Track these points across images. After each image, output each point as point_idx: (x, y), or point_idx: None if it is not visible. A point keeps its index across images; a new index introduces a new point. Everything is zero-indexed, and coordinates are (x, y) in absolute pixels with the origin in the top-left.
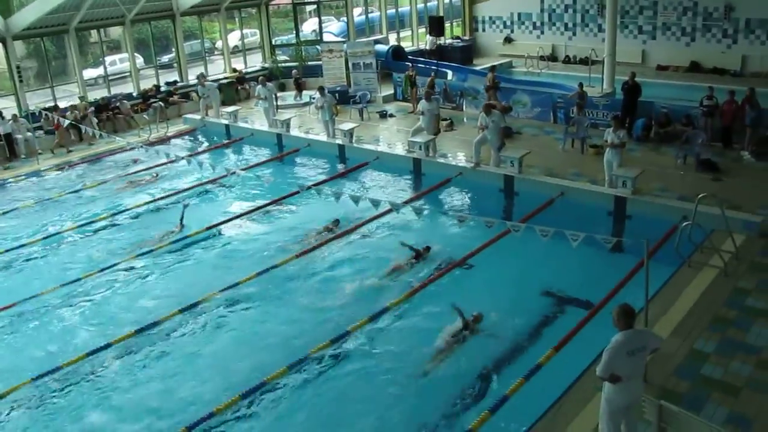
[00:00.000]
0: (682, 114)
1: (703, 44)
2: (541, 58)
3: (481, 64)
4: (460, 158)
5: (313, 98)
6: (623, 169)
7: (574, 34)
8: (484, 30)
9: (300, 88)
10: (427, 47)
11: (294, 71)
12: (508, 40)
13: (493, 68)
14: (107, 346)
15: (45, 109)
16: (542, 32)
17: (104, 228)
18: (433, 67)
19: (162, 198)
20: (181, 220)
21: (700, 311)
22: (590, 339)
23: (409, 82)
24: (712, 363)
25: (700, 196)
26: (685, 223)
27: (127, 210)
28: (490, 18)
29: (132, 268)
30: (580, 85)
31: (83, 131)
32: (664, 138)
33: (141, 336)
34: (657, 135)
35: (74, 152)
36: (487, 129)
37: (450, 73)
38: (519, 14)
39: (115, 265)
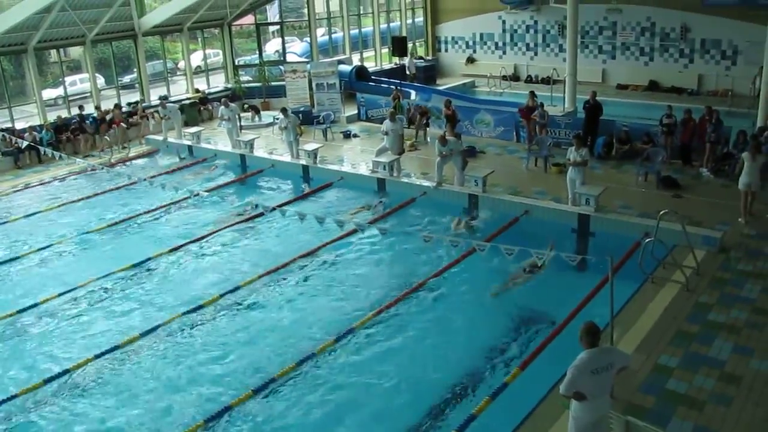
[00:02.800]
0: (643, 132)
1: (661, 64)
2: (504, 77)
3: (445, 84)
4: (424, 178)
5: (277, 119)
6: (586, 186)
7: (536, 54)
8: (446, 50)
9: (257, 111)
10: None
11: (245, 105)
12: (470, 60)
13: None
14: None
15: (2, 129)
16: (504, 52)
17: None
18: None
19: (124, 220)
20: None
21: (664, 326)
22: (556, 357)
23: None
24: (677, 378)
25: (661, 212)
26: (647, 240)
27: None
28: (453, 38)
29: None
30: (541, 104)
31: (42, 153)
32: (625, 156)
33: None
34: (618, 153)
35: (35, 174)
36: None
37: (414, 93)
38: (481, 35)
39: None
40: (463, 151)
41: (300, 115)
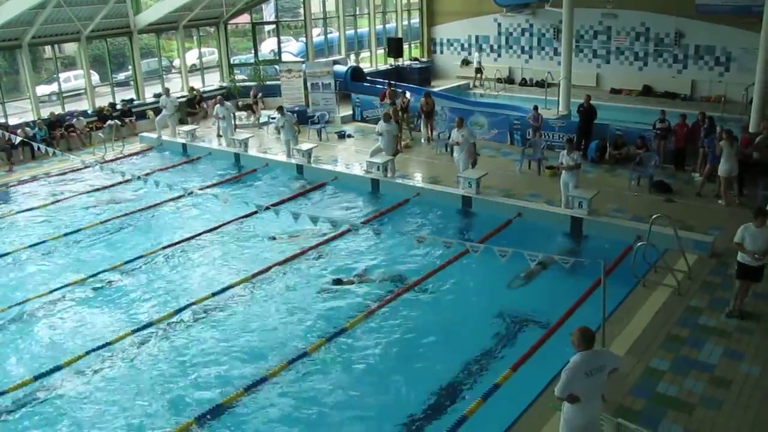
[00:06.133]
0: (636, 136)
1: (655, 69)
2: (498, 80)
3: (439, 86)
4: (418, 178)
5: (273, 118)
6: (579, 190)
7: (531, 57)
8: (442, 52)
9: (254, 110)
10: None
11: (239, 103)
12: (465, 62)
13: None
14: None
15: None
16: (499, 55)
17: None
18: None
19: (117, 217)
20: None
21: (655, 330)
22: (548, 359)
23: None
24: (667, 381)
25: (653, 216)
26: (639, 244)
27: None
28: (448, 40)
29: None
30: (535, 107)
31: (36, 149)
32: (618, 160)
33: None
34: (611, 157)
35: (28, 170)
36: (458, 146)
37: (408, 94)
38: (477, 37)
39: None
40: (472, 144)
41: (295, 114)
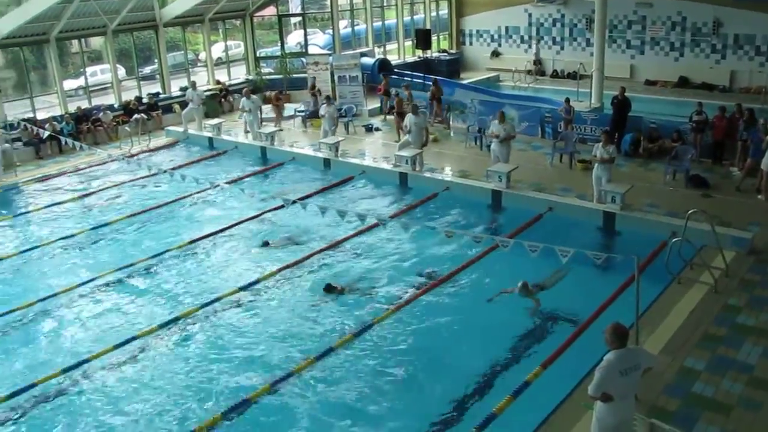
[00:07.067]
0: (672, 129)
1: (692, 59)
2: (529, 72)
3: (468, 78)
4: (447, 172)
5: (299, 111)
6: (612, 184)
7: (562, 48)
8: (471, 44)
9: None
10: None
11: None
12: (495, 53)
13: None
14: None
15: (24, 120)
16: (530, 46)
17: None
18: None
19: (143, 211)
20: None
21: (691, 328)
22: (579, 356)
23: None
24: (703, 381)
25: (689, 212)
26: (674, 239)
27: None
28: (478, 31)
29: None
30: (567, 100)
31: (63, 143)
32: (652, 153)
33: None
34: (646, 150)
35: (55, 164)
36: (496, 138)
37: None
38: (507, 28)
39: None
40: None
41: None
